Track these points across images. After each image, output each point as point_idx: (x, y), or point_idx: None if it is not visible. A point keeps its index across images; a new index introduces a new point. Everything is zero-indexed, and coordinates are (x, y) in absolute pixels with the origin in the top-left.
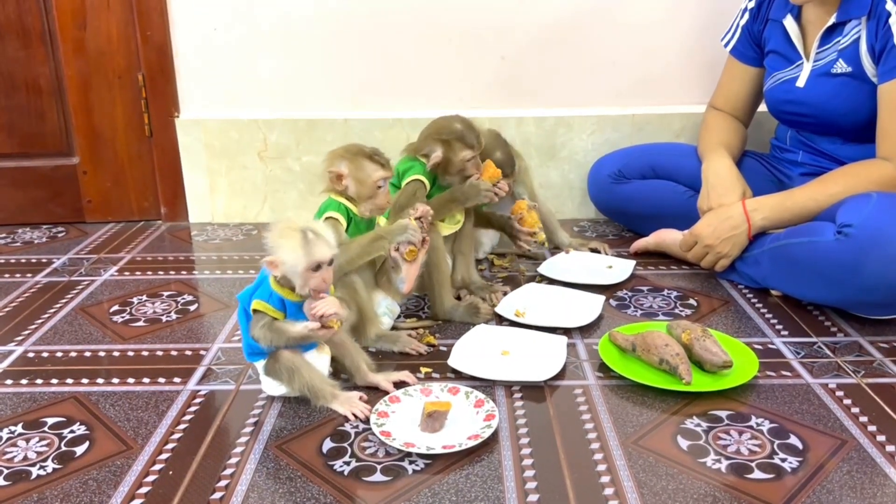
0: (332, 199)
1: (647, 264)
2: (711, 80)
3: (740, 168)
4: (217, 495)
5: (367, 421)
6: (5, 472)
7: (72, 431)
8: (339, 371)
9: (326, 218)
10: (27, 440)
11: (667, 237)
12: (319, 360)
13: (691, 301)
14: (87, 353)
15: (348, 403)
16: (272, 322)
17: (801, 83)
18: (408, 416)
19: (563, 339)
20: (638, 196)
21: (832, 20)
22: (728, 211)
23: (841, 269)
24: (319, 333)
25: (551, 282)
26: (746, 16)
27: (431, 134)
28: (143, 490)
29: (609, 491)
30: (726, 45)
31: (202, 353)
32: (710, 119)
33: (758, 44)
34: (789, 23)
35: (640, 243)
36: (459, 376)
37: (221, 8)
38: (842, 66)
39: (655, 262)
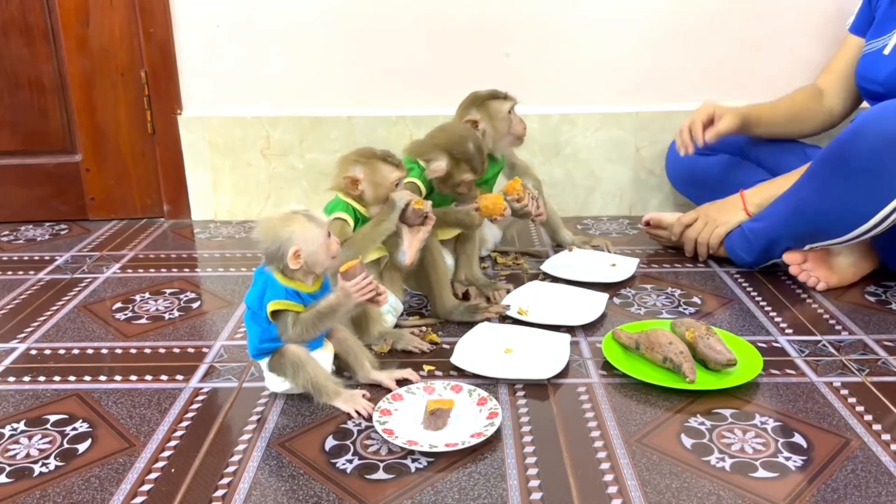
0: (339, 199)
1: (652, 262)
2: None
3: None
4: (219, 493)
5: (369, 418)
6: (7, 469)
7: (74, 429)
8: (342, 368)
9: (334, 219)
10: (29, 437)
11: (665, 217)
12: (323, 357)
13: (695, 299)
14: (90, 351)
15: (351, 401)
16: (298, 315)
17: (887, 51)
18: (410, 413)
19: (567, 337)
20: (716, 168)
21: None
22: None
23: (838, 151)
24: (358, 295)
25: (554, 280)
26: None
27: (441, 144)
28: (146, 488)
29: (613, 489)
30: (848, 27)
31: (205, 350)
32: (796, 90)
33: (872, 13)
34: None
35: (655, 216)
36: (462, 374)
37: (224, 5)
38: None
39: (659, 261)
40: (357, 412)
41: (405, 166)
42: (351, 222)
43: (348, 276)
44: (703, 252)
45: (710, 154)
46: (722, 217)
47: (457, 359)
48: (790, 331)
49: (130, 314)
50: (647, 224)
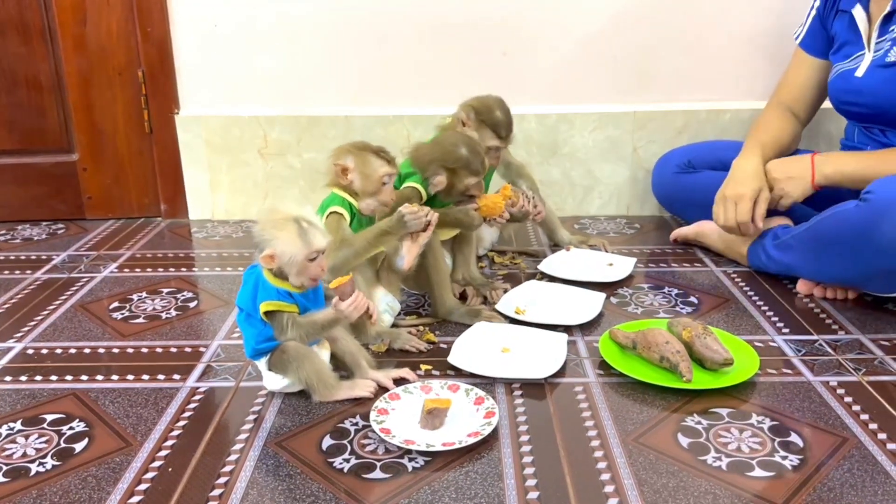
0: (335, 194)
1: (649, 262)
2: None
3: None
4: (216, 492)
5: (385, 389)
6: (4, 468)
7: (71, 428)
8: (339, 368)
9: (330, 213)
10: (26, 437)
11: (706, 227)
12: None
13: (692, 299)
14: (87, 350)
15: (358, 386)
16: (295, 318)
17: (859, 73)
18: (408, 413)
19: (564, 337)
20: (705, 185)
21: (889, 7)
22: (797, 158)
23: (858, 233)
24: (353, 314)
25: (552, 279)
26: (818, 2)
27: (437, 159)
28: (143, 487)
29: (609, 489)
30: (796, 38)
31: (202, 349)
32: (765, 114)
33: (827, 34)
34: (857, 12)
35: (681, 232)
36: (459, 373)
37: (222, 4)
38: (895, 56)
39: (657, 260)
40: (370, 391)
41: (406, 170)
42: (347, 216)
43: (340, 295)
44: (760, 213)
45: (693, 172)
46: (788, 186)
47: (454, 358)
48: (787, 330)
49: (127, 313)
50: (675, 241)
